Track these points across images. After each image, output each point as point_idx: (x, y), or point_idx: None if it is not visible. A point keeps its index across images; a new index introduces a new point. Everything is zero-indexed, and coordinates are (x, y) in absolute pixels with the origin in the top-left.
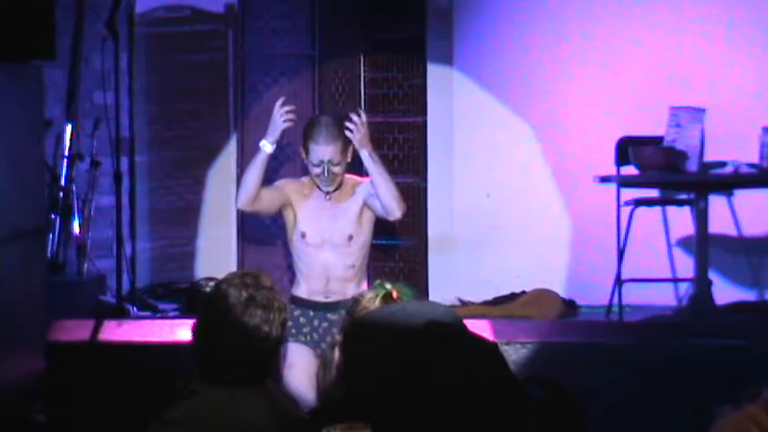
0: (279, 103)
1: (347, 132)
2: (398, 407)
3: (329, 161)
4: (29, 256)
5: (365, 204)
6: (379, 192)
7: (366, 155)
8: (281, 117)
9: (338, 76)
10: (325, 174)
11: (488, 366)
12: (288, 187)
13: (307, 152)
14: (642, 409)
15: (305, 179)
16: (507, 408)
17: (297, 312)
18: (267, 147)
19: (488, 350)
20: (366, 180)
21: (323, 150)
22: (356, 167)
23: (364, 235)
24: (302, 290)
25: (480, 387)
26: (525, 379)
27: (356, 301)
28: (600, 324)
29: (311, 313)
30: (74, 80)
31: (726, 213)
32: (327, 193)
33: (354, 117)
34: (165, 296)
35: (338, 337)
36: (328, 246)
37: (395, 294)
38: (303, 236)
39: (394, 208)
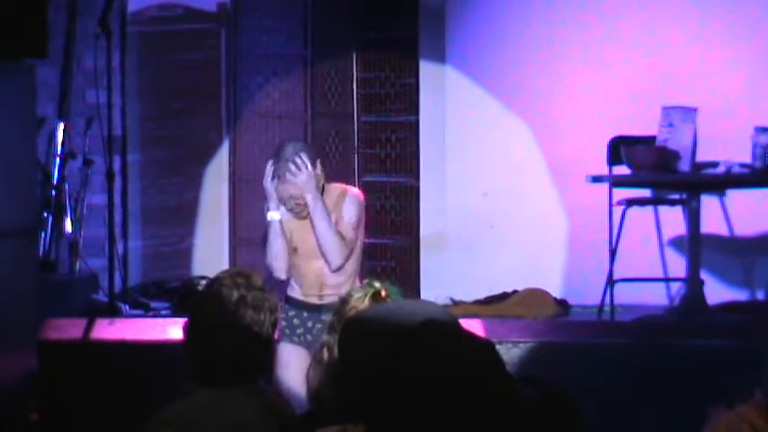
0: (267, 170)
1: (291, 177)
2: (395, 405)
3: (290, 197)
4: (21, 254)
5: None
6: (319, 241)
7: (309, 200)
8: (269, 181)
9: (331, 76)
10: (290, 210)
11: (485, 365)
12: (284, 214)
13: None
14: (634, 409)
15: None
16: (503, 406)
17: (291, 313)
18: (275, 215)
19: (485, 349)
20: (353, 190)
21: (283, 188)
22: (346, 176)
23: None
24: (297, 291)
25: (477, 385)
26: (520, 379)
27: (344, 300)
28: (592, 324)
29: (305, 314)
30: (66, 79)
31: (718, 213)
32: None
33: (296, 163)
34: (158, 295)
35: (326, 337)
36: (319, 256)
37: (383, 293)
38: (295, 250)
39: (331, 260)
